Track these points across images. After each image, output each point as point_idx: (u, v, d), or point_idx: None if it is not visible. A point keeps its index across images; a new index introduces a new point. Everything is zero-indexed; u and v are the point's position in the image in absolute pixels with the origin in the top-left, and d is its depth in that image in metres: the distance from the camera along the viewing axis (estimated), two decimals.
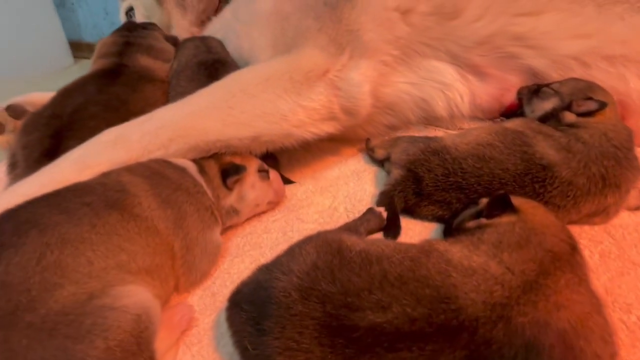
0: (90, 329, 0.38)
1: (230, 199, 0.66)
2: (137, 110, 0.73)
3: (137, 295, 0.43)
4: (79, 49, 2.23)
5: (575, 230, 0.67)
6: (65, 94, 0.78)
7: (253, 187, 0.69)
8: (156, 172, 0.58)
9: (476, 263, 0.40)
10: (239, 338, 0.42)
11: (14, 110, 0.89)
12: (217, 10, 1.19)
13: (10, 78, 1.98)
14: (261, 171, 0.71)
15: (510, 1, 0.80)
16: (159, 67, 0.91)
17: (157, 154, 0.66)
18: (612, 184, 0.63)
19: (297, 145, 0.79)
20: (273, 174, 0.74)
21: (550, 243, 0.44)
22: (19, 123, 0.83)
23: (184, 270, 0.56)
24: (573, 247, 0.46)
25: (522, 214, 0.50)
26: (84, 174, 0.60)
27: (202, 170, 0.64)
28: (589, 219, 0.67)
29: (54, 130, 0.70)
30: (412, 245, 0.46)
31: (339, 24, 0.83)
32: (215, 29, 1.13)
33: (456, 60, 0.85)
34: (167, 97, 0.88)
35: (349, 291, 0.37)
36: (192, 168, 0.64)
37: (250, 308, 0.42)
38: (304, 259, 0.42)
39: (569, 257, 0.43)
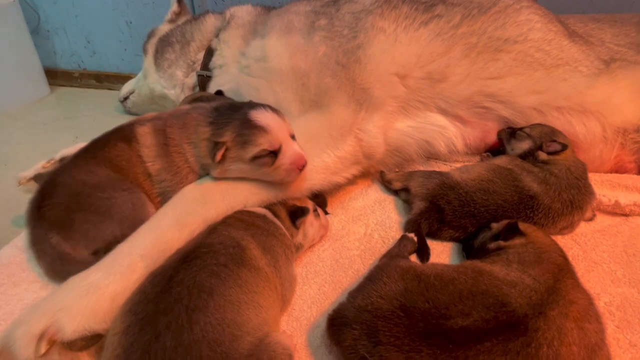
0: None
1: (299, 237, 0.80)
2: None
3: (284, 338, 0.56)
4: (54, 76, 2.18)
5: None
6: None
7: (312, 225, 0.83)
8: (250, 224, 0.70)
9: (514, 277, 0.59)
10: (353, 350, 0.56)
11: None
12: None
13: None
14: (315, 211, 0.86)
15: (482, 69, 1.04)
16: None
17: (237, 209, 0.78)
18: (577, 206, 0.87)
19: (333, 188, 0.96)
20: (320, 212, 0.89)
21: (554, 257, 0.65)
22: None
23: (281, 304, 0.69)
24: (565, 259, 0.67)
25: (528, 236, 0.71)
26: (184, 233, 0.71)
27: (276, 215, 0.78)
28: (560, 231, 0.90)
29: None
30: (462, 266, 0.64)
31: (354, 82, 1.02)
32: (222, 81, 1.22)
33: (445, 113, 1.07)
34: None
35: (439, 306, 0.54)
36: (269, 214, 0.77)
37: (360, 327, 0.57)
38: (395, 285, 0.58)
39: (566, 266, 0.64)
